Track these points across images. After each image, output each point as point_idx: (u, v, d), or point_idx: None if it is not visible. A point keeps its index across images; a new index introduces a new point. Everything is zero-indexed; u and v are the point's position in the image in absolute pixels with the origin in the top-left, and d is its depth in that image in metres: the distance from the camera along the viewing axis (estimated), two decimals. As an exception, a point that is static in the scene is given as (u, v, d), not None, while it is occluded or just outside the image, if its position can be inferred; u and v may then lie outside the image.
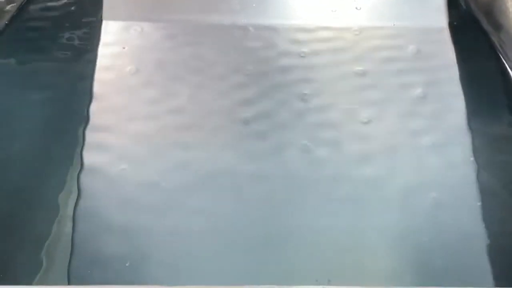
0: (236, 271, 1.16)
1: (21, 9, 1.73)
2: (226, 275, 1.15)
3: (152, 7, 1.73)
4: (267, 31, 1.67)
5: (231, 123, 1.44)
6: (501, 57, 1.58)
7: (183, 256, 1.18)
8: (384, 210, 1.26)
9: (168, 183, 1.30)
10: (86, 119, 1.43)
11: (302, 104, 1.48)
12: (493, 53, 1.61)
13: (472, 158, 1.36)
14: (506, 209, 1.28)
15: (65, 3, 1.77)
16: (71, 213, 1.23)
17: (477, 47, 1.66)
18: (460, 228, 1.23)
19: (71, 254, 1.17)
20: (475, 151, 1.37)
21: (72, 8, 1.75)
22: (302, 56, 1.61)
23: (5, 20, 1.67)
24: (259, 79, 1.54)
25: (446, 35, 1.66)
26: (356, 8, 1.73)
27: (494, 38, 1.63)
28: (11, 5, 1.71)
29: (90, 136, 1.39)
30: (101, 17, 1.69)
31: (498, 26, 1.63)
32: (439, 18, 1.70)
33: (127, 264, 1.16)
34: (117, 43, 1.63)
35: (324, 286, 0.92)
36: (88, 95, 1.49)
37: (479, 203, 1.27)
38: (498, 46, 1.61)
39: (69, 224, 1.22)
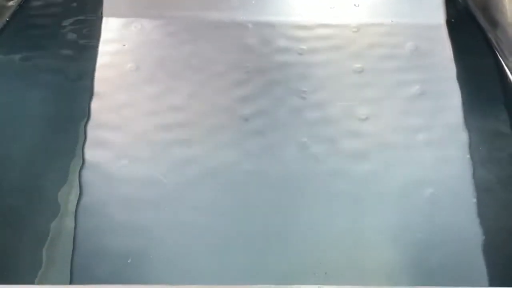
0: (235, 267, 1.18)
1: (22, 5, 1.73)
2: (226, 271, 1.17)
3: (152, 4, 1.74)
4: (265, 28, 1.68)
5: (231, 120, 1.45)
6: (498, 54, 1.59)
7: (184, 252, 1.20)
8: (381, 206, 1.27)
9: (168, 179, 1.31)
10: (87, 116, 1.44)
11: (300, 101, 1.49)
12: (490, 50, 1.61)
13: (468, 155, 1.37)
14: (501, 205, 1.29)
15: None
16: (73, 209, 1.24)
17: (474, 44, 1.66)
18: (456, 224, 1.24)
19: (73, 250, 1.18)
20: (472, 148, 1.38)
21: (73, 4, 1.76)
22: (300, 53, 1.62)
23: (6, 17, 1.67)
24: (258, 76, 1.55)
25: (444, 32, 1.67)
26: (354, 5, 1.73)
27: (491, 35, 1.64)
28: (12, 1, 1.71)
29: (91, 132, 1.40)
30: (102, 14, 1.70)
31: (494, 23, 1.64)
32: (437, 15, 1.71)
33: (129, 261, 1.17)
34: (118, 40, 1.64)
35: (322, 286, 0.93)
36: (88, 92, 1.50)
37: (475, 200, 1.28)
38: (495, 43, 1.62)
39: (70, 220, 1.23)
